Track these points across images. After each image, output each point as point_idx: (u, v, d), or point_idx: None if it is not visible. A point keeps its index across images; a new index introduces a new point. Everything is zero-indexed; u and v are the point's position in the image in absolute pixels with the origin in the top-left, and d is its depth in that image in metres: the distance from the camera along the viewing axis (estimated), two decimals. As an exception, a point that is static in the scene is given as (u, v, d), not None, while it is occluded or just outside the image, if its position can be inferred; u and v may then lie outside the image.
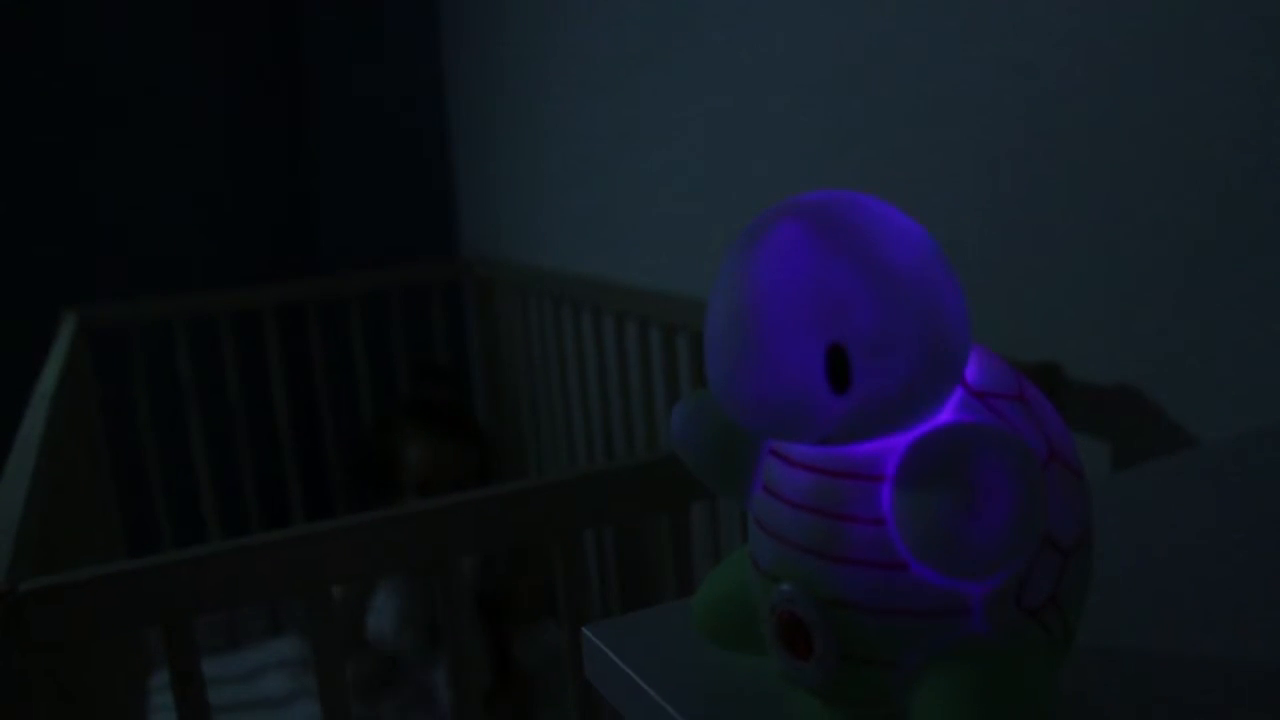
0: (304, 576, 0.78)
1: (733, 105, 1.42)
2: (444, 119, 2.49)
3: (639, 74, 1.64)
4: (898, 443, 0.33)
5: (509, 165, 2.19)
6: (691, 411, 0.38)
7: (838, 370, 0.31)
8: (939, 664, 0.32)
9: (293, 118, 2.47)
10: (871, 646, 0.33)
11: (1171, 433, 0.90)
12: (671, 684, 0.40)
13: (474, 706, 0.85)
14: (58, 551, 1.04)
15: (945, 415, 0.33)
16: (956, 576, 0.30)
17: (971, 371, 0.35)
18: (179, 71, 2.37)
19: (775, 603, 0.35)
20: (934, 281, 0.32)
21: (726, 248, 1.50)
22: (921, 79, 1.10)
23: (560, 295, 1.91)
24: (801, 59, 1.27)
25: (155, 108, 2.37)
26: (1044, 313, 1.00)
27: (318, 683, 0.81)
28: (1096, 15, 0.90)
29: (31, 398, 1.24)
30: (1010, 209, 1.02)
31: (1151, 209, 0.89)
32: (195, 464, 2.41)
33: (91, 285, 2.37)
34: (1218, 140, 0.83)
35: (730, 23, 1.40)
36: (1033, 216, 1.00)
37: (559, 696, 1.78)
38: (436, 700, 1.73)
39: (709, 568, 1.61)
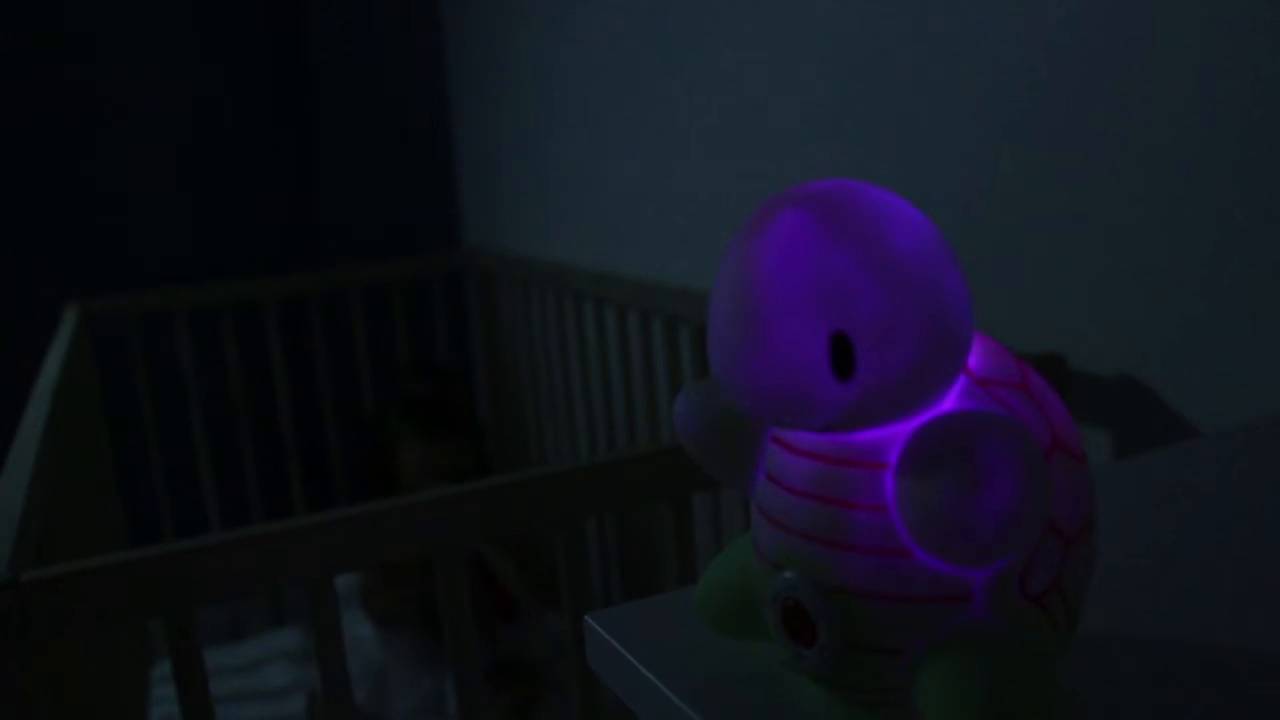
0: (305, 567, 0.78)
1: (736, 98, 1.42)
2: (446, 111, 2.48)
3: (641, 66, 1.63)
4: (901, 430, 0.33)
5: (511, 157, 2.19)
6: (695, 399, 0.38)
7: (841, 358, 0.31)
8: (942, 651, 0.32)
9: (294, 109, 2.46)
10: (874, 633, 0.33)
11: (1173, 423, 0.90)
12: (674, 670, 0.40)
13: (477, 698, 0.85)
14: (60, 541, 1.04)
15: (948, 403, 0.33)
16: (959, 563, 0.30)
17: (974, 359, 0.35)
18: (180, 66, 2.37)
19: (778, 590, 0.35)
20: (937, 269, 0.32)
21: (729, 240, 1.49)
22: (924, 70, 1.09)
23: (562, 287, 1.91)
24: (803, 52, 1.27)
25: (157, 102, 2.36)
26: (1047, 305, 1.00)
27: (319, 674, 0.81)
28: (1101, 9, 0.90)
29: (34, 389, 1.24)
30: (1013, 201, 1.02)
31: (1154, 202, 0.89)
32: (197, 455, 2.41)
33: (93, 278, 2.37)
34: (1220, 134, 0.83)
35: (733, 16, 1.39)
36: (1036, 209, 1.00)
37: (562, 684, 1.79)
38: (445, 703, 1.73)
39: (711, 558, 1.61)
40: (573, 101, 1.87)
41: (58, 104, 2.30)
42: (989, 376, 0.34)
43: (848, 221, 0.32)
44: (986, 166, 1.04)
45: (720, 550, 1.42)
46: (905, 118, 1.13)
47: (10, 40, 2.25)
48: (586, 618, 0.45)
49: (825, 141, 1.26)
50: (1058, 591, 0.34)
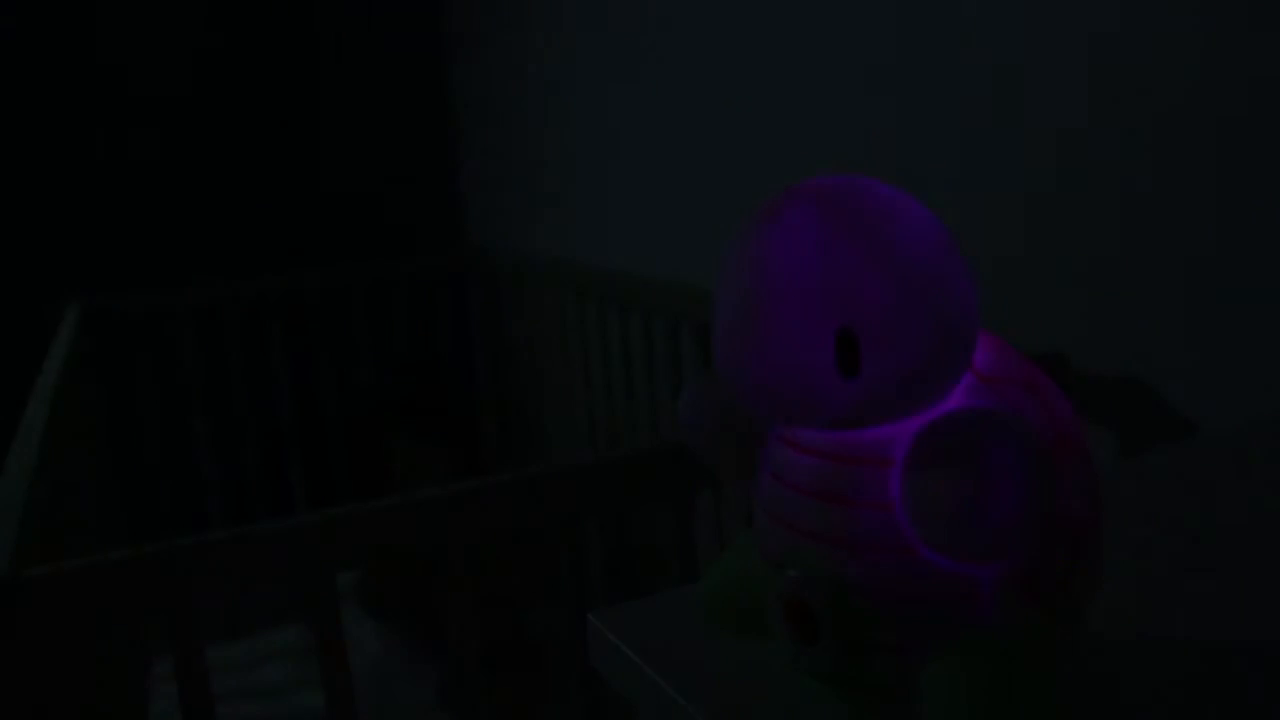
0: (306, 564, 0.78)
1: (737, 95, 1.42)
2: (450, 109, 2.48)
3: (643, 64, 1.63)
4: (907, 428, 0.33)
5: (514, 156, 2.19)
6: (698, 396, 0.38)
7: (847, 355, 0.31)
8: (946, 649, 0.32)
9: (297, 107, 2.46)
10: (878, 631, 0.33)
11: (1174, 423, 0.90)
12: (676, 669, 0.40)
13: (477, 693, 0.85)
14: (61, 539, 1.04)
15: (954, 401, 0.33)
16: (964, 561, 0.30)
17: (980, 357, 0.35)
18: (181, 64, 2.37)
19: (782, 588, 0.35)
20: (943, 266, 0.32)
21: (734, 236, 1.49)
22: (928, 68, 1.09)
23: (565, 285, 1.90)
24: (806, 49, 1.27)
25: (158, 100, 2.36)
26: (1052, 305, 1.00)
27: (321, 671, 0.81)
28: (1104, 12, 0.90)
29: (34, 389, 1.24)
30: (1018, 203, 1.02)
31: (1158, 204, 0.88)
32: (197, 454, 2.41)
33: (93, 278, 2.37)
34: (1223, 135, 0.82)
35: (735, 15, 1.39)
36: (1041, 210, 0.99)
37: (561, 673, 1.79)
38: (446, 696, 1.73)
39: (712, 556, 1.61)
40: (575, 99, 1.87)
41: (58, 103, 2.30)
42: (995, 374, 0.34)
43: (854, 218, 0.32)
44: (990, 166, 1.04)
45: (722, 548, 1.42)
46: (908, 115, 1.13)
47: (10, 40, 2.25)
48: (589, 616, 0.45)
49: (830, 140, 1.26)
50: (1063, 590, 0.34)
